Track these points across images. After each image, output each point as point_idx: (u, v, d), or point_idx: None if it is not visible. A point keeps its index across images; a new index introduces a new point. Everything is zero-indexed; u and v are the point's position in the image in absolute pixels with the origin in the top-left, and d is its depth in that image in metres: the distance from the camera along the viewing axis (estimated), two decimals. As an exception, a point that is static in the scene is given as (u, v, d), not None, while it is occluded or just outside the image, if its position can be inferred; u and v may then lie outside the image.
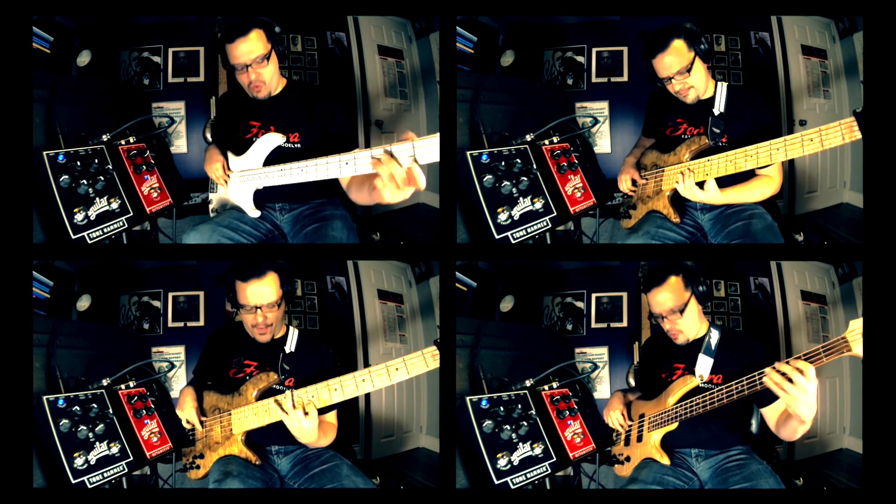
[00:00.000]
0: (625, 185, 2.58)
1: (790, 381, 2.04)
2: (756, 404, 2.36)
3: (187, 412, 2.45)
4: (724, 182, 2.37)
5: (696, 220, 2.51)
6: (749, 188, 2.39)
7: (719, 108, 2.40)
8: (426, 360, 2.28)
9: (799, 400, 2.05)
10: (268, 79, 2.41)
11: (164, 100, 2.75)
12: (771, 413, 2.28)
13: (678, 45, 2.34)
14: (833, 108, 2.77)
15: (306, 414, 2.29)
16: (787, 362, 2.06)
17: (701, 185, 2.37)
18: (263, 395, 2.39)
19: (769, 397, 2.21)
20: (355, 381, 2.30)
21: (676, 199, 2.47)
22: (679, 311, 2.33)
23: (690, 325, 2.36)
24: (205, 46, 2.77)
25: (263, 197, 2.47)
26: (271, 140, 2.41)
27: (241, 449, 2.39)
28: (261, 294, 2.39)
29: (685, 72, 2.35)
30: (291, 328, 2.49)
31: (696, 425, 2.33)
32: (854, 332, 2.00)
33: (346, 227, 2.51)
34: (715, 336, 2.36)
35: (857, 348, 1.99)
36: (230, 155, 2.48)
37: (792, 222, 2.71)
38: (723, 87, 2.42)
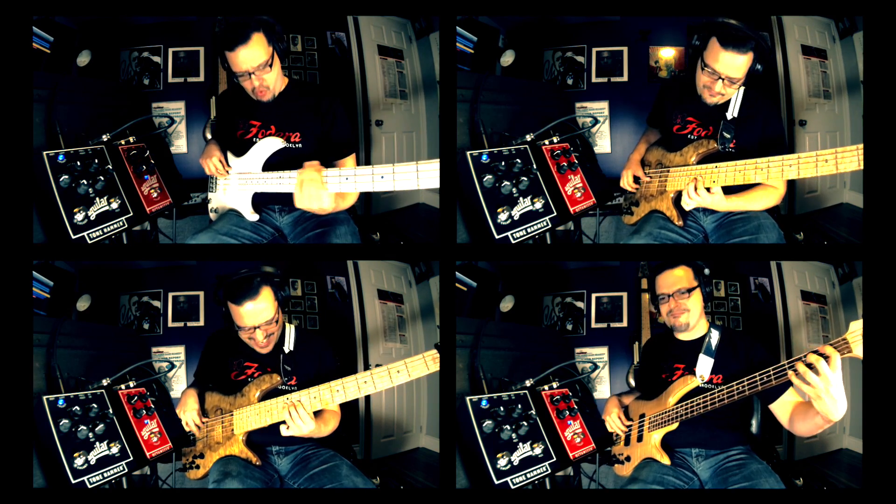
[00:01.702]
0: (625, 180, 2.57)
1: (816, 372, 1.98)
2: (764, 402, 2.30)
3: (189, 414, 2.45)
4: (729, 188, 2.33)
5: (699, 223, 2.49)
6: (753, 197, 2.36)
7: (733, 112, 2.36)
8: (427, 363, 2.27)
9: (822, 392, 1.98)
10: (271, 83, 2.38)
11: (164, 100, 2.75)
12: (781, 409, 2.23)
13: (746, 59, 2.26)
14: (833, 109, 2.77)
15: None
16: (814, 352, 1.99)
17: (707, 188, 2.34)
18: (266, 395, 2.39)
19: (775, 393, 2.20)
20: (357, 383, 2.30)
21: (680, 202, 2.45)
22: (687, 292, 2.34)
23: (695, 308, 2.36)
24: (205, 46, 2.76)
25: (262, 198, 2.46)
26: (270, 144, 2.40)
27: (241, 449, 2.39)
28: (257, 313, 2.32)
29: (734, 83, 2.30)
30: (289, 326, 2.48)
31: (697, 425, 2.33)
32: (854, 333, 1.99)
33: (349, 231, 2.49)
34: (715, 336, 2.36)
35: (858, 350, 1.98)
36: (230, 156, 2.47)
37: (792, 222, 2.71)
38: (740, 90, 2.37)
